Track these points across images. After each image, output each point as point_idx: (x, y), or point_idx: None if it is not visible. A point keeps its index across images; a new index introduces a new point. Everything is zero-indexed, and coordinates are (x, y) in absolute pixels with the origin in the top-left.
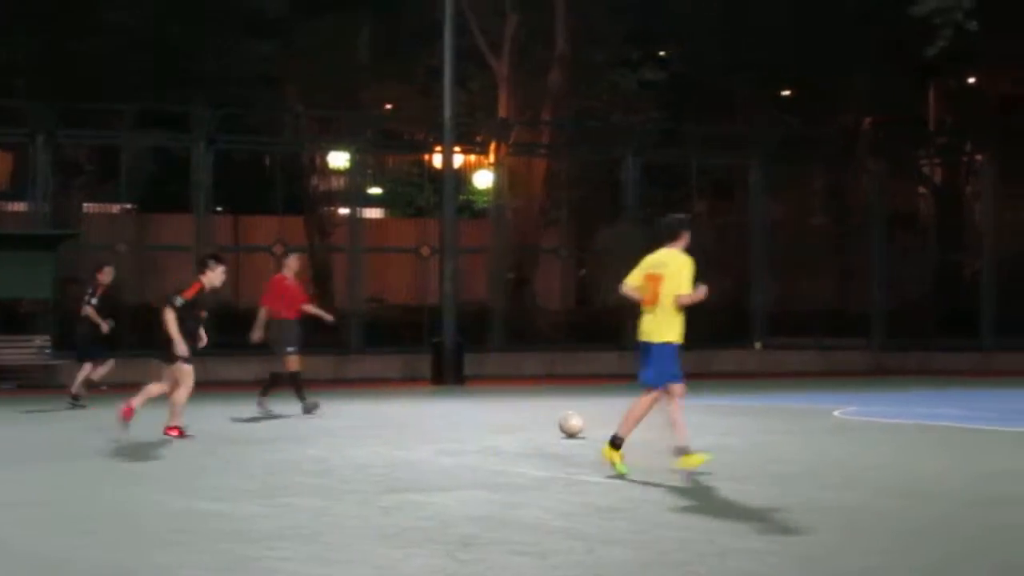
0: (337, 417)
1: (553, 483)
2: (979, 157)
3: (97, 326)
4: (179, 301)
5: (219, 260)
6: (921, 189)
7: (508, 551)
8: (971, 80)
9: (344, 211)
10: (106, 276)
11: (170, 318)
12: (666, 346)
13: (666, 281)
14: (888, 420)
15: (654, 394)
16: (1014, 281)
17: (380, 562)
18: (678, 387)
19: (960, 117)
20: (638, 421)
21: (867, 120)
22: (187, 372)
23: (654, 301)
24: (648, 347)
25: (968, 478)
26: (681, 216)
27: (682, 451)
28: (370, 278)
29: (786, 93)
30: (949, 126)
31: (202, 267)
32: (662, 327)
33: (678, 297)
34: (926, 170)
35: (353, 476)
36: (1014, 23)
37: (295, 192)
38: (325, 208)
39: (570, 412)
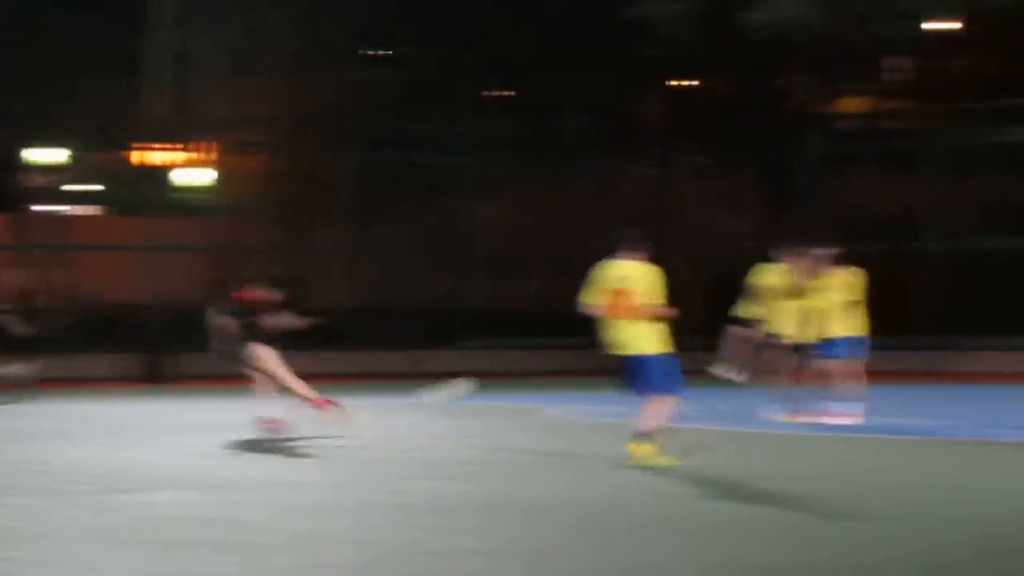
0: (55, 418)
1: (270, 483)
2: (689, 160)
3: None
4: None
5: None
6: (634, 191)
7: (223, 551)
8: (684, 83)
9: (55, 208)
10: None
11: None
12: (658, 357)
13: (637, 293)
14: (603, 419)
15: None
16: (718, 283)
17: (96, 563)
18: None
19: (672, 120)
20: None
21: (577, 121)
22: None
23: (630, 314)
24: (637, 359)
25: (686, 476)
26: (636, 229)
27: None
28: (84, 277)
29: (508, 93)
30: (661, 129)
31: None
32: (647, 338)
33: (651, 308)
34: (645, 171)
35: (70, 477)
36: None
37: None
38: (28, 205)
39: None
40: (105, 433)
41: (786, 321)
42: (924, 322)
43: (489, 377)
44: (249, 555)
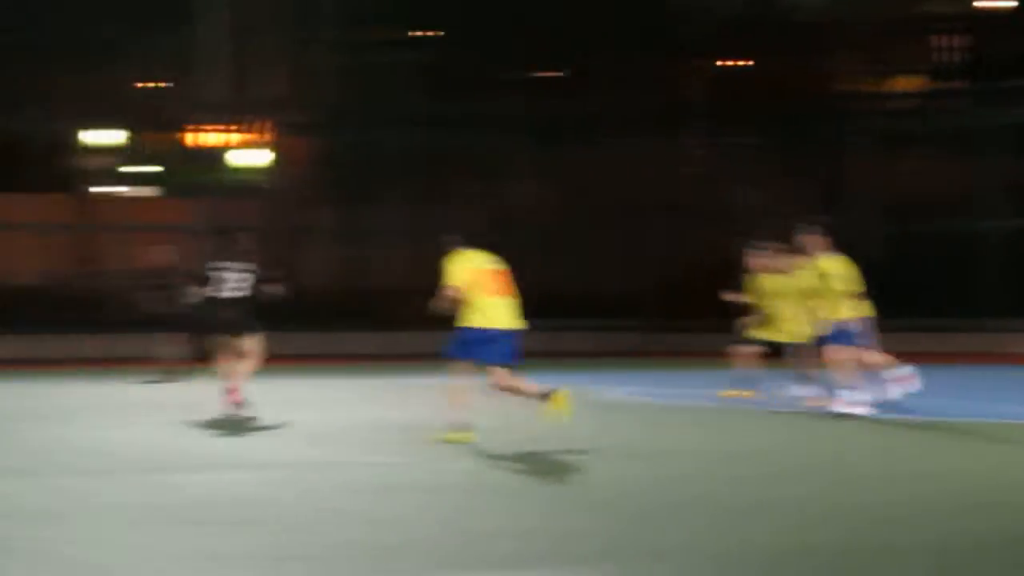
0: (96, 396)
1: (333, 464)
2: (735, 141)
3: None
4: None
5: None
6: (680, 172)
7: (276, 530)
8: (729, 64)
9: (110, 189)
10: None
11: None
12: (519, 332)
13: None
14: (660, 401)
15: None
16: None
17: (142, 542)
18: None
19: (717, 101)
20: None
21: (625, 102)
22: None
23: (510, 291)
24: (506, 333)
25: (722, 457)
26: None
27: (456, 427)
28: (135, 257)
29: (555, 75)
30: (706, 110)
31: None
32: (516, 314)
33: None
34: (693, 153)
35: (116, 455)
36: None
37: (55, 170)
38: (85, 186)
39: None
40: (150, 413)
41: (788, 321)
42: (983, 303)
43: (541, 358)
44: (292, 534)
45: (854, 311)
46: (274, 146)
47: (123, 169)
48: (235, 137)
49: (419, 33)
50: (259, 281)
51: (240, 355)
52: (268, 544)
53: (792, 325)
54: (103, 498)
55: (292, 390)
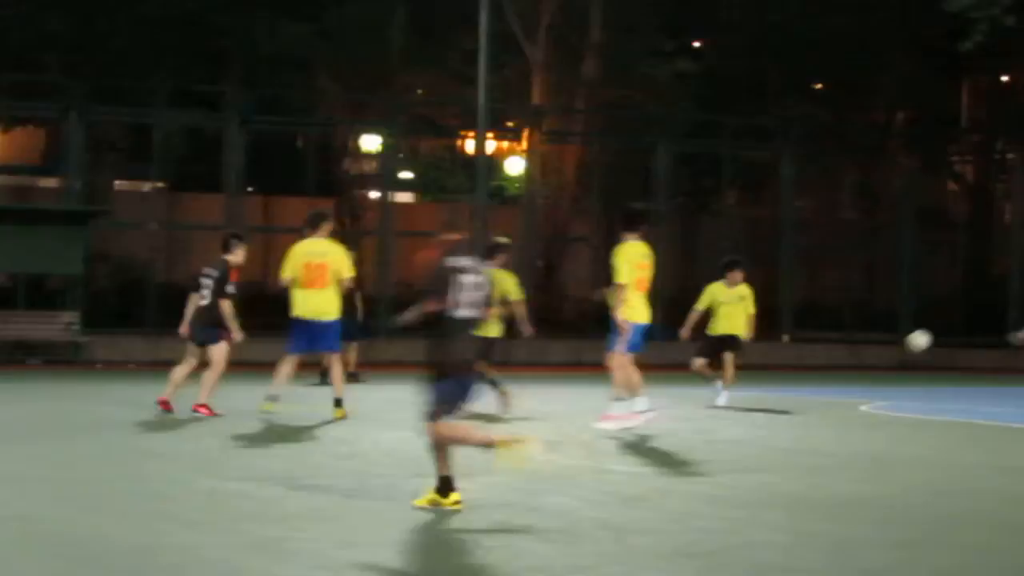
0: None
1: (580, 472)
2: (1010, 155)
3: None
4: (232, 289)
5: (240, 239)
6: (952, 186)
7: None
8: (1005, 77)
9: (375, 194)
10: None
11: (228, 308)
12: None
13: (332, 266)
14: (916, 416)
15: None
16: None
17: (400, 541)
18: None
19: (993, 114)
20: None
21: (899, 115)
22: (221, 352)
23: (326, 283)
24: (326, 323)
25: (998, 474)
26: (323, 210)
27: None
28: (399, 262)
29: (818, 87)
30: (981, 123)
31: (227, 247)
32: (335, 305)
33: (347, 279)
34: (957, 167)
35: (380, 460)
36: None
37: (327, 174)
38: (356, 191)
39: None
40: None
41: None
42: None
43: (800, 371)
44: (569, 545)
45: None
46: (539, 154)
47: (397, 175)
48: (504, 144)
49: (696, 42)
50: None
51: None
52: None
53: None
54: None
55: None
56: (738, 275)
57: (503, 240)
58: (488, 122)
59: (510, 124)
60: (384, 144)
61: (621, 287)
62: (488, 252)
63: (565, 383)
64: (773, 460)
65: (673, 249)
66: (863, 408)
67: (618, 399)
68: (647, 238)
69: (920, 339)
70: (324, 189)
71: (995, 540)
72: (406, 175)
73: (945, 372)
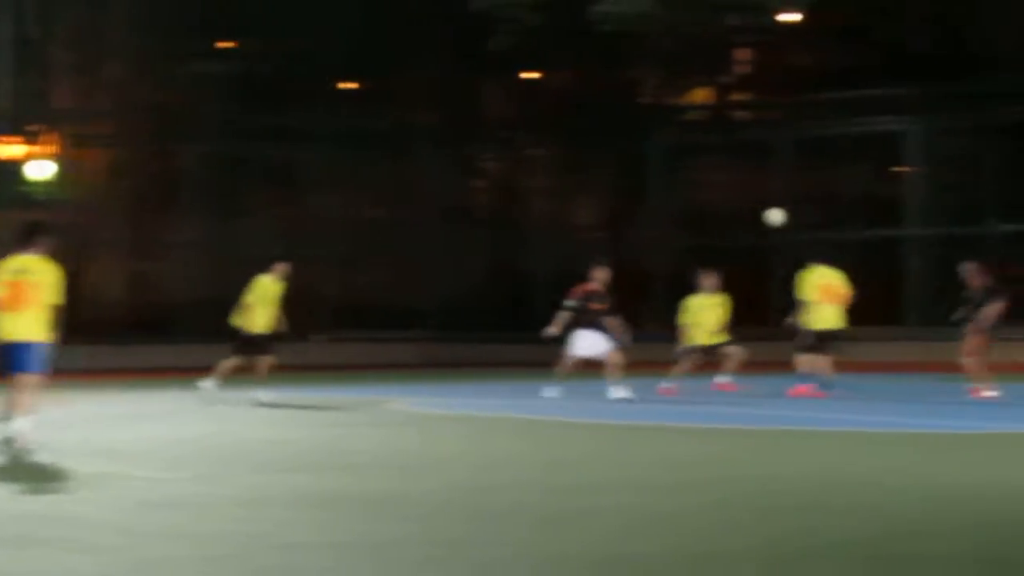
0: None
1: (104, 479)
2: (536, 152)
3: None
4: None
5: None
6: (479, 183)
7: (70, 549)
8: (531, 75)
9: None
10: None
11: None
12: (44, 344)
13: (38, 287)
14: (449, 411)
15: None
16: (566, 274)
17: None
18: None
19: (519, 112)
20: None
21: (426, 114)
22: None
23: (24, 304)
24: (27, 345)
25: (537, 467)
26: (38, 221)
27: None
28: None
29: (348, 86)
30: (507, 121)
31: None
32: (40, 327)
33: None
34: (484, 165)
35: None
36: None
37: None
38: None
39: None
40: None
41: None
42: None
43: (336, 370)
44: (97, 554)
45: None
46: (68, 158)
47: None
48: (27, 149)
49: (223, 44)
50: None
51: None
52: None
53: None
54: None
55: (86, 406)
56: (282, 267)
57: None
58: (9, 127)
59: (32, 128)
60: None
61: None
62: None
63: (88, 389)
64: (308, 460)
65: (209, 249)
66: (396, 406)
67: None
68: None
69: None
70: None
71: (539, 533)
72: None
73: (475, 368)
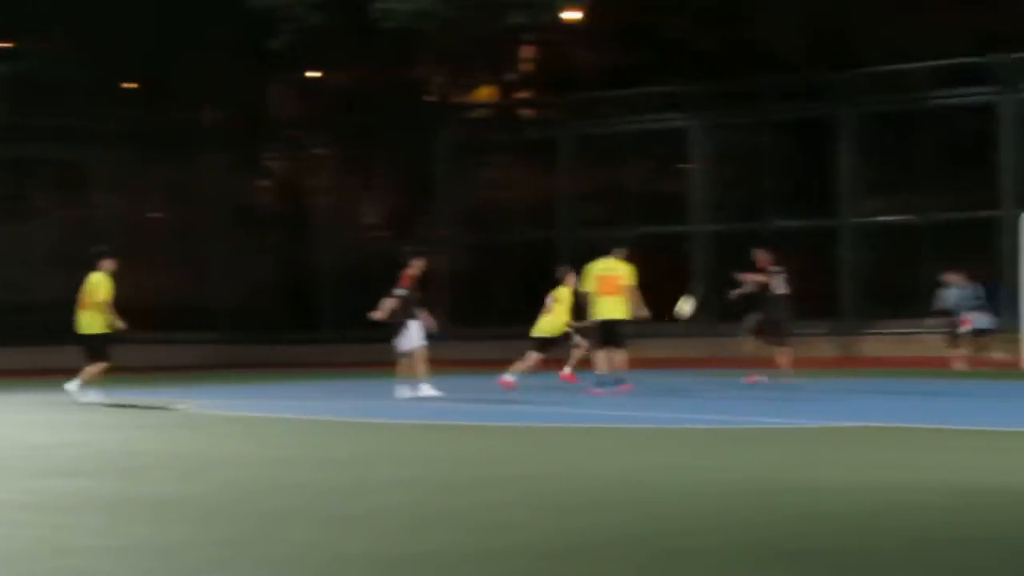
0: None
1: None
2: (320, 151)
3: None
4: None
5: None
6: (264, 183)
7: None
8: (314, 74)
9: None
10: None
11: None
12: None
13: None
14: (236, 413)
15: None
16: (354, 273)
17: None
18: None
19: (303, 111)
20: None
21: (210, 113)
22: None
23: None
24: None
25: (318, 467)
26: None
27: None
28: None
29: (131, 86)
30: (292, 120)
31: None
32: None
33: None
34: (271, 164)
35: None
36: None
37: None
38: None
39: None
40: None
41: None
42: None
43: (125, 372)
44: None
45: None
46: None
47: None
48: None
49: (1, 44)
50: None
51: None
52: None
53: None
54: None
55: None
56: (109, 263)
57: None
58: None
59: None
60: None
61: None
62: None
63: None
64: (90, 463)
65: None
66: (182, 407)
67: None
68: None
69: (685, 306)
70: None
71: (321, 533)
72: None
73: (264, 368)
